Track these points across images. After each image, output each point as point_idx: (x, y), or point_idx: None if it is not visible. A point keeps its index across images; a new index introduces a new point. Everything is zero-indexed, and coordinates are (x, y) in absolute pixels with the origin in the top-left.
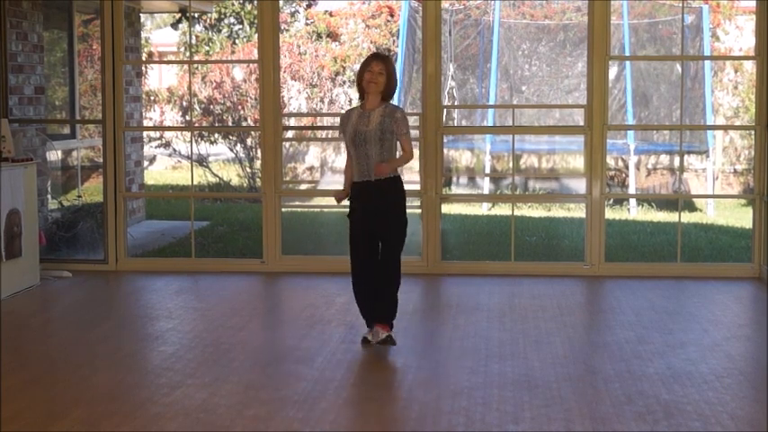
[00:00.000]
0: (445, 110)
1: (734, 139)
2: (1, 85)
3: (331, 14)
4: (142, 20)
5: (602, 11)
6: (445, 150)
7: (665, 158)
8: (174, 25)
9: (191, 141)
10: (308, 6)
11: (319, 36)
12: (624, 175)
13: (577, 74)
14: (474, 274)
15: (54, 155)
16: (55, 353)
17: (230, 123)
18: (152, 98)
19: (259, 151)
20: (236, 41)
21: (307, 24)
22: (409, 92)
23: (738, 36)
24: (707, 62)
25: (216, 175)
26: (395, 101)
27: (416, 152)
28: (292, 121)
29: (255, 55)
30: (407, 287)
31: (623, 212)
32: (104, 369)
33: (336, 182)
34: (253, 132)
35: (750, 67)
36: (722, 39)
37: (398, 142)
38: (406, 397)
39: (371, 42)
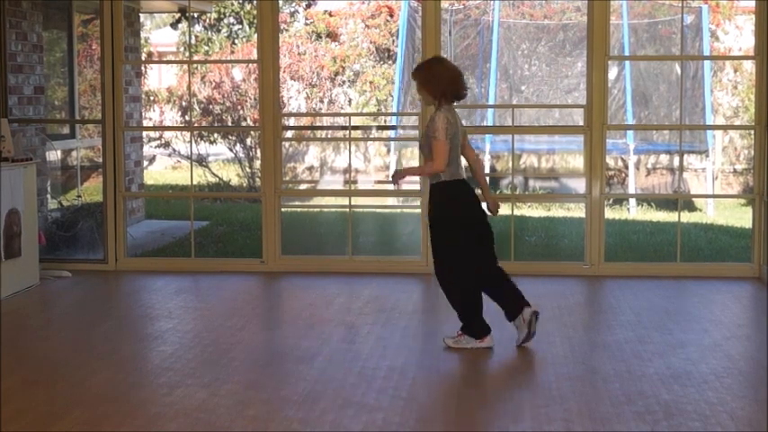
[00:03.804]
0: None
1: (733, 138)
2: (1, 85)
3: (330, 14)
4: (142, 20)
5: (602, 11)
6: None
7: (664, 158)
8: (174, 25)
9: (190, 141)
10: (308, 6)
11: (319, 36)
12: (624, 174)
13: (577, 74)
14: None
15: (54, 155)
16: (55, 353)
17: (230, 123)
18: (151, 98)
19: (259, 151)
20: (236, 41)
21: (306, 24)
22: (409, 92)
23: (738, 36)
24: (706, 62)
25: (215, 175)
26: (394, 99)
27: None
28: (292, 121)
29: (255, 55)
30: (408, 287)
31: (623, 212)
32: (104, 369)
33: (335, 182)
34: (252, 132)
35: (749, 66)
36: (722, 39)
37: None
38: (406, 397)
39: (371, 42)
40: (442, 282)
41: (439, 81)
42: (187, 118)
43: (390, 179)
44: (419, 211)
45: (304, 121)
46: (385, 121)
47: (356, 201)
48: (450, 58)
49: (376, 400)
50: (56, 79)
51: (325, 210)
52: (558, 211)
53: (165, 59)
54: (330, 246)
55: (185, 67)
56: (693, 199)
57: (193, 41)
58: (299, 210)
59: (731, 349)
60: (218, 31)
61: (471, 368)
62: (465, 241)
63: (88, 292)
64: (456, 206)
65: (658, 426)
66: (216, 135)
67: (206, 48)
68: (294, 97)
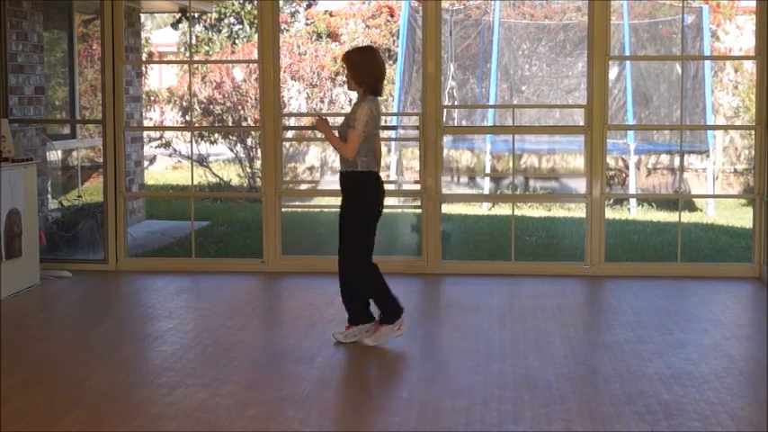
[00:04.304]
0: (445, 110)
1: (734, 138)
2: (1, 85)
3: (331, 14)
4: (142, 20)
5: (602, 11)
6: (444, 150)
7: (665, 158)
8: (174, 25)
9: (191, 141)
10: (308, 6)
11: (319, 36)
12: (624, 174)
13: (577, 74)
14: (474, 274)
15: (54, 155)
16: (55, 353)
17: (230, 123)
18: (152, 98)
19: (259, 151)
20: (236, 41)
21: (307, 24)
22: (409, 92)
23: (738, 36)
24: (707, 62)
25: (216, 175)
26: (395, 99)
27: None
28: (292, 121)
29: (255, 55)
30: (408, 287)
31: (623, 212)
32: (104, 369)
33: (336, 182)
34: (253, 132)
35: (750, 67)
36: (722, 39)
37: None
38: (407, 397)
39: (372, 42)
40: (347, 273)
41: (368, 71)
42: (188, 118)
43: (315, 121)
44: (419, 211)
45: (304, 122)
46: (385, 121)
47: None
48: (450, 58)
49: (376, 400)
50: (56, 79)
51: (326, 210)
52: (558, 212)
53: (165, 59)
54: (330, 246)
55: (186, 67)
56: (694, 199)
57: (194, 41)
58: (299, 210)
59: (731, 349)
60: (219, 31)
61: (471, 368)
62: (372, 232)
63: (88, 292)
64: (368, 197)
65: (658, 426)
66: (216, 135)
67: (206, 48)
68: (295, 97)
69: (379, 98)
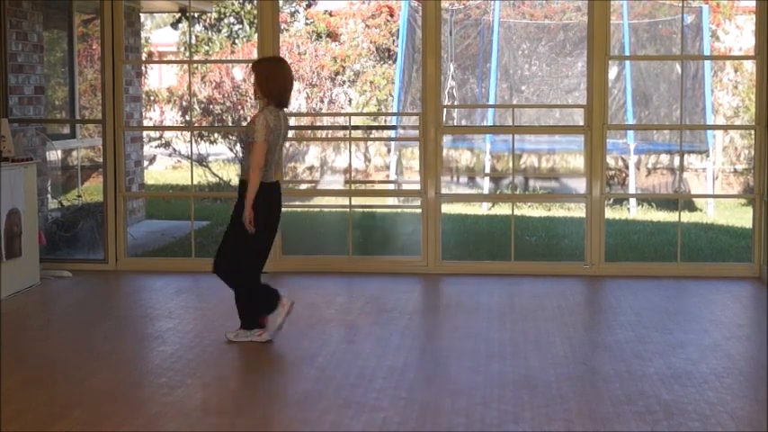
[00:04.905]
0: (445, 110)
1: (734, 138)
2: (1, 85)
3: (331, 14)
4: (142, 20)
5: (602, 11)
6: (444, 150)
7: (665, 158)
8: (174, 25)
9: (190, 141)
10: (308, 6)
11: (319, 36)
12: (624, 174)
13: (577, 74)
14: (474, 274)
15: (54, 155)
16: (55, 353)
17: (230, 123)
18: (152, 98)
19: None
20: (236, 41)
21: (306, 24)
22: (409, 92)
23: (738, 36)
24: (707, 62)
25: (216, 175)
26: (395, 99)
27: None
28: (292, 121)
29: (255, 55)
30: (408, 287)
31: (623, 212)
32: (104, 369)
33: (336, 181)
34: None
35: (750, 66)
36: (722, 38)
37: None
38: (406, 397)
39: (371, 42)
40: (231, 277)
41: (275, 83)
42: (187, 118)
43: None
44: (419, 210)
45: (304, 121)
46: (385, 121)
47: (356, 201)
48: (450, 58)
49: (376, 400)
50: (56, 79)
51: (326, 210)
52: (558, 211)
53: (165, 59)
54: (330, 246)
55: (185, 66)
56: (694, 199)
57: (194, 41)
58: (299, 210)
59: (731, 349)
60: (219, 30)
61: (471, 368)
62: (267, 242)
63: (88, 292)
64: (266, 208)
65: (658, 426)
66: (216, 135)
67: (206, 47)
68: (294, 97)
69: (283, 110)
